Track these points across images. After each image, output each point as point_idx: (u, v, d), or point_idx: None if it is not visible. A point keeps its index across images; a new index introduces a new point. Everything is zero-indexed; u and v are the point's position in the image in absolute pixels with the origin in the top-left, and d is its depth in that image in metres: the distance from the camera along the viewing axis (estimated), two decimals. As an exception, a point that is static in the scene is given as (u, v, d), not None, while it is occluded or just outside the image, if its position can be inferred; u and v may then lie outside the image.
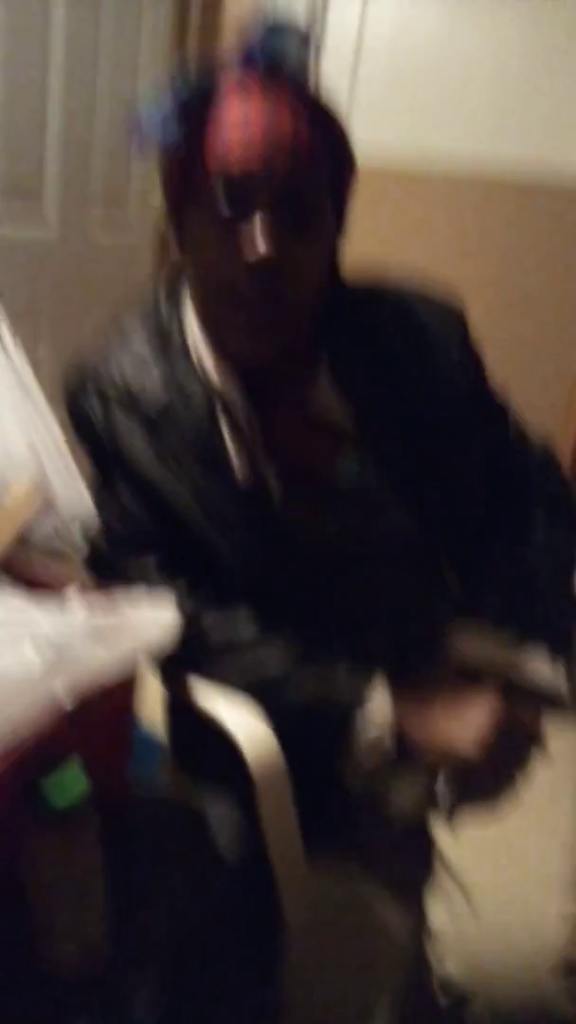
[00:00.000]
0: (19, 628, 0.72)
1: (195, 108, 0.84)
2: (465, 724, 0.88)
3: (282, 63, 0.83)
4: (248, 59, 0.84)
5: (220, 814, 0.92)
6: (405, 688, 0.91)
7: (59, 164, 1.78)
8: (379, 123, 2.17)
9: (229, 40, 2.18)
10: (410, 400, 0.96)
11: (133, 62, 1.99)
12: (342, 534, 0.97)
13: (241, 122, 0.82)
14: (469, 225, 2.17)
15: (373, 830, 0.94)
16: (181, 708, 0.98)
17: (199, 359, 0.93)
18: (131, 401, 0.93)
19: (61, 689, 0.68)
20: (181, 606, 0.81)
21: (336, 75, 2.19)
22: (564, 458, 1.50)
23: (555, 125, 2.06)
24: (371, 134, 2.13)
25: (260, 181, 0.81)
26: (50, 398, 1.55)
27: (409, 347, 0.97)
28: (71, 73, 1.74)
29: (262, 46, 0.83)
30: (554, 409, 2.07)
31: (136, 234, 2.14)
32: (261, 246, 0.81)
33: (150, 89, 2.06)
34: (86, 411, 0.95)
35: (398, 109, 2.18)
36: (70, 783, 0.67)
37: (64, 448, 1.53)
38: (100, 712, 0.74)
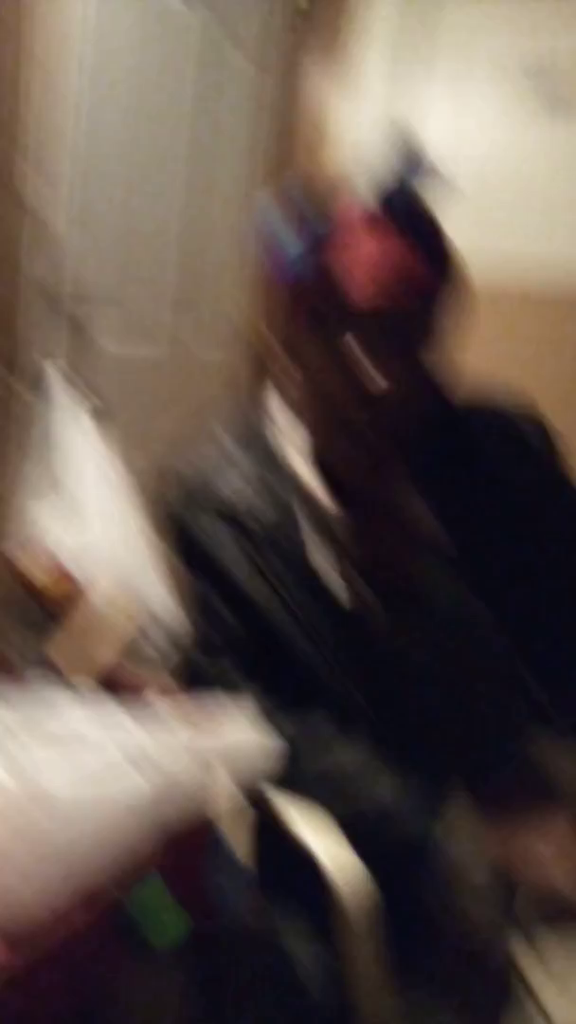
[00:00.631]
0: (123, 749, 0.71)
1: (324, 242, 0.86)
2: (552, 844, 0.84)
3: (416, 205, 0.87)
4: (386, 200, 0.86)
5: (304, 944, 0.88)
6: (488, 802, 0.88)
7: (173, 290, 1.86)
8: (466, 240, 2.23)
9: (330, 163, 2.29)
10: (502, 510, 0.96)
11: (246, 194, 2.11)
12: (435, 648, 0.95)
13: (373, 260, 0.84)
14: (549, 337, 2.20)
15: (450, 949, 0.89)
16: (265, 829, 0.95)
17: (298, 476, 0.95)
18: (231, 514, 0.94)
19: (166, 815, 0.67)
20: (272, 721, 0.80)
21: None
22: None
23: None
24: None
25: (388, 319, 0.84)
26: (146, 505, 1.58)
27: (502, 459, 0.99)
28: (187, 208, 1.85)
29: (403, 191, 0.86)
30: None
31: (235, 351, 2.21)
32: (382, 380, 0.83)
33: (259, 217, 2.16)
34: (186, 521, 0.96)
35: (486, 223, 2.24)
36: (169, 921, 0.65)
37: (157, 558, 1.55)
38: (196, 838, 0.72)
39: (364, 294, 0.83)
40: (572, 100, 2.14)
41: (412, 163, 0.86)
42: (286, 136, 2.28)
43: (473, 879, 0.84)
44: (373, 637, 0.93)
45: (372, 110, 2.26)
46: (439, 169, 0.87)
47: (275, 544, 0.92)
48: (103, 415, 1.54)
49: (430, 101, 2.25)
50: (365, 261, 0.84)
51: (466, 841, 0.85)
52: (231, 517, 0.94)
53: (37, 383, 1.51)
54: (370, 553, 0.94)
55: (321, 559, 0.92)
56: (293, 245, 0.86)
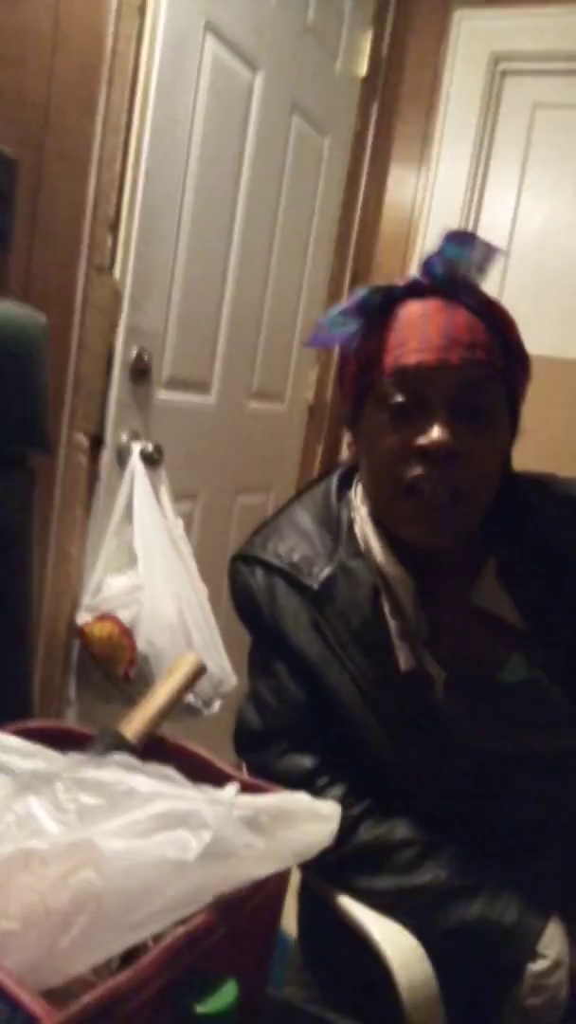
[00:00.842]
0: (175, 806, 0.70)
1: (375, 313, 0.89)
2: None
3: (457, 271, 0.88)
4: (427, 267, 0.89)
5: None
6: None
7: (226, 353, 1.93)
8: (524, 324, 2.25)
9: (385, 249, 2.36)
10: None
11: (300, 267, 2.19)
12: (506, 731, 0.91)
13: (417, 320, 0.86)
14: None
15: None
16: (319, 909, 0.92)
17: (366, 543, 0.94)
18: (296, 575, 0.94)
19: (216, 878, 0.65)
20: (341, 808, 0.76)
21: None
22: None
23: None
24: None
25: (435, 374, 0.84)
26: (200, 558, 1.61)
27: None
28: (242, 280, 1.92)
29: (442, 256, 0.88)
30: None
31: (288, 405, 2.26)
32: (436, 433, 0.83)
33: (312, 293, 2.23)
34: (250, 583, 0.97)
35: (543, 311, 2.26)
36: (220, 991, 0.62)
37: (209, 612, 1.57)
38: (251, 908, 0.69)
39: (409, 350, 0.84)
40: None
41: (457, 235, 0.87)
42: (350, 206, 2.35)
43: (560, 997, 0.79)
44: (435, 705, 0.90)
45: (443, 189, 2.33)
46: (493, 248, 0.88)
47: (336, 604, 0.91)
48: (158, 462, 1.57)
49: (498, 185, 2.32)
50: (409, 321, 0.86)
51: (561, 972, 0.80)
52: (292, 574, 0.94)
53: (123, 459, 1.57)
54: (435, 621, 0.92)
55: (384, 623, 0.91)
56: (342, 317, 0.89)
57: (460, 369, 0.84)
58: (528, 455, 1.02)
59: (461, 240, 0.88)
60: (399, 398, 0.86)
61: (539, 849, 0.90)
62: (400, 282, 0.90)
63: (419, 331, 0.85)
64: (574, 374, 2.21)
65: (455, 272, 0.88)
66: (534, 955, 0.80)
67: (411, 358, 0.84)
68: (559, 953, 0.80)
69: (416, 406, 0.85)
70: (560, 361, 2.21)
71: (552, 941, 0.80)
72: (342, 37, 2.17)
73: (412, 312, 0.87)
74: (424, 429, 0.84)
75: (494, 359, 0.87)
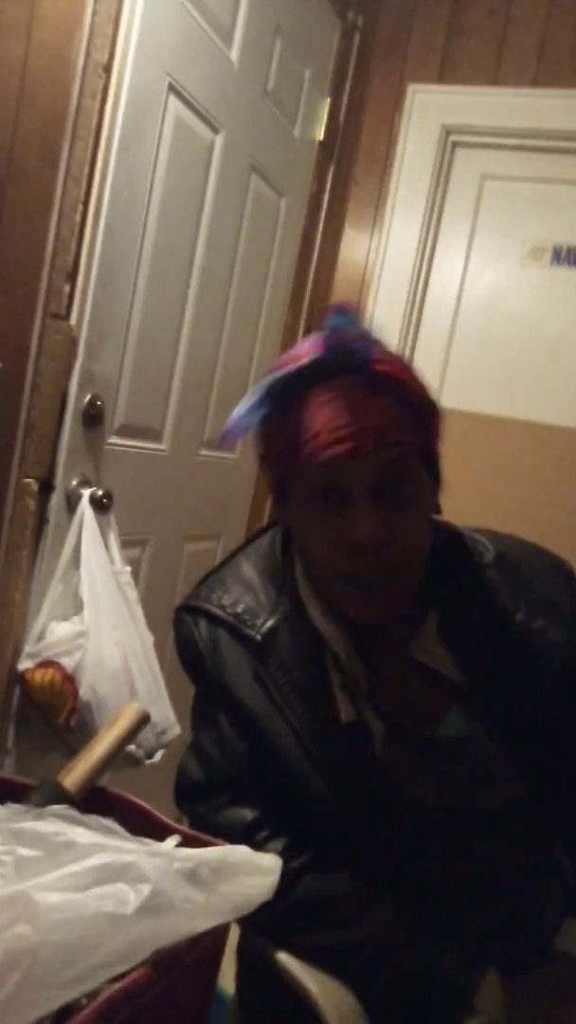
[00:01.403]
0: (114, 859, 0.69)
1: (285, 403, 0.86)
2: None
3: (349, 339, 0.84)
4: (324, 344, 0.85)
5: None
6: (515, 979, 0.83)
7: (180, 401, 1.95)
8: (471, 385, 2.33)
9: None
10: (518, 653, 0.94)
11: (255, 320, 2.24)
12: (443, 785, 0.92)
13: (324, 409, 0.83)
14: (558, 468, 2.24)
15: None
16: (258, 965, 0.91)
17: (307, 603, 0.95)
18: (239, 627, 0.94)
19: (154, 933, 0.64)
20: (282, 861, 0.76)
21: (436, 334, 2.40)
22: None
23: None
24: (462, 392, 2.34)
25: (350, 465, 0.83)
26: (146, 605, 1.60)
27: (517, 599, 0.97)
28: (197, 331, 1.96)
29: (331, 329, 0.85)
30: None
31: (239, 455, 2.29)
32: (363, 527, 0.83)
33: (266, 346, 2.28)
34: (194, 633, 0.97)
35: (488, 371, 2.34)
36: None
37: (154, 660, 1.56)
38: (189, 963, 0.69)
39: (320, 455, 0.83)
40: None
41: (346, 311, 0.86)
42: (305, 264, 2.42)
43: None
44: (374, 758, 0.91)
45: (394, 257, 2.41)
46: (374, 334, 0.87)
47: (277, 655, 0.92)
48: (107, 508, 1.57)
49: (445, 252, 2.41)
50: (316, 420, 0.83)
51: (491, 1011, 0.80)
52: (234, 624, 0.94)
53: (72, 504, 1.56)
54: (374, 675, 0.94)
55: (326, 675, 0.92)
56: (254, 407, 0.87)
57: (374, 455, 0.83)
58: (472, 511, 1.05)
59: (341, 310, 0.86)
60: (320, 493, 0.86)
61: (475, 903, 0.91)
62: (304, 359, 0.85)
63: (328, 422, 0.83)
64: (518, 433, 2.28)
65: (349, 341, 0.85)
66: (472, 1010, 0.80)
67: (323, 454, 0.82)
68: (495, 1010, 0.80)
69: (338, 499, 0.85)
70: (504, 420, 2.29)
71: (488, 996, 0.81)
72: (301, 103, 2.25)
73: (319, 402, 0.84)
74: (350, 521, 0.84)
75: (406, 436, 0.85)
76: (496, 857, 0.93)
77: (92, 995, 0.62)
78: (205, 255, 1.92)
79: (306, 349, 0.87)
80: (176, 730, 1.54)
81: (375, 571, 0.85)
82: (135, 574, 1.76)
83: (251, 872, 0.72)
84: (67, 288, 1.50)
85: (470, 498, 0.98)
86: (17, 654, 1.50)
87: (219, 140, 1.91)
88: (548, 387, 2.29)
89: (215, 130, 1.89)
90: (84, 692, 1.33)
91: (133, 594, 1.56)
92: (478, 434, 2.27)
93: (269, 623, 0.94)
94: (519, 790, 0.93)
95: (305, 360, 0.85)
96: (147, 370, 1.80)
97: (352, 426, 0.82)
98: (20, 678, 1.46)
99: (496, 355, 2.35)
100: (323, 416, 0.83)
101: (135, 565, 1.86)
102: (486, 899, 0.91)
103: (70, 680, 1.26)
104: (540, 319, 2.31)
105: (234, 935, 0.91)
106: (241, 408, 0.87)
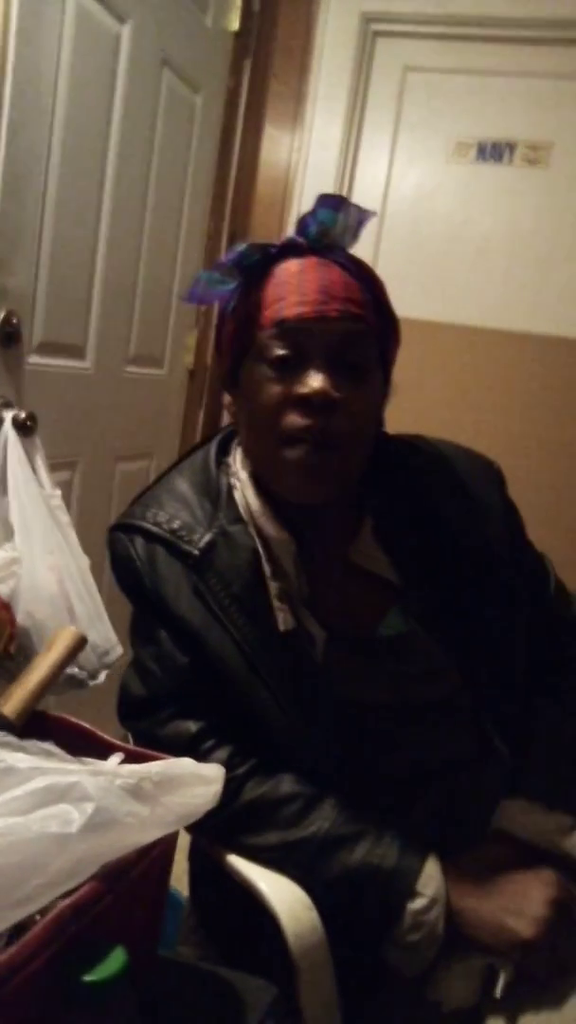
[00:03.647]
0: (56, 780, 0.69)
1: (252, 270, 0.90)
2: (520, 902, 0.83)
3: (330, 234, 0.90)
4: (302, 228, 0.91)
5: (252, 987, 0.85)
6: (455, 862, 0.87)
7: (101, 315, 1.87)
8: (399, 288, 2.29)
9: (261, 209, 2.34)
10: (453, 552, 0.96)
11: (175, 227, 2.15)
12: (384, 684, 0.95)
13: (295, 276, 0.88)
14: (486, 372, 2.25)
15: (419, 1017, 0.87)
16: (210, 868, 0.93)
17: (247, 507, 0.95)
18: (176, 543, 0.94)
19: (100, 849, 0.65)
20: (227, 769, 0.77)
21: (362, 236, 2.34)
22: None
23: (566, 298, 2.18)
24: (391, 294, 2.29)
25: (314, 326, 0.86)
26: (80, 528, 1.57)
27: (450, 500, 0.99)
28: (115, 240, 1.86)
29: (315, 218, 0.90)
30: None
31: (167, 370, 2.23)
32: (315, 381, 0.85)
33: (188, 254, 2.20)
34: (130, 552, 0.96)
35: (415, 274, 2.31)
36: (108, 958, 0.62)
37: (91, 582, 1.54)
38: (137, 874, 0.70)
39: (287, 304, 0.86)
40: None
41: (338, 206, 0.89)
42: (225, 165, 2.32)
43: (438, 932, 0.83)
44: (315, 664, 0.92)
45: (316, 147, 2.33)
46: (366, 211, 0.91)
47: (215, 567, 0.92)
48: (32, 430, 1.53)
49: (372, 146, 2.33)
50: (286, 277, 0.88)
51: (438, 908, 0.84)
52: (171, 540, 0.93)
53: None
54: (313, 581, 0.94)
55: (264, 585, 0.92)
56: (219, 276, 0.90)
57: (337, 322, 0.86)
58: (400, 416, 1.04)
59: (334, 204, 0.90)
60: (279, 351, 0.87)
61: (417, 794, 0.94)
62: (276, 242, 0.91)
63: (297, 286, 0.87)
64: (446, 337, 2.27)
65: (328, 235, 0.90)
66: (413, 894, 0.84)
67: (290, 311, 0.86)
68: (436, 891, 0.84)
69: (296, 358, 0.87)
70: (432, 324, 2.27)
71: (430, 880, 0.84)
72: (212, -11, 2.11)
73: (289, 268, 0.89)
74: (303, 379, 0.86)
75: (369, 316, 0.89)
76: (437, 745, 0.96)
77: (44, 911, 0.62)
78: (118, 157, 1.82)
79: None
80: (118, 650, 1.53)
81: (319, 433, 0.86)
82: (66, 497, 1.72)
83: (195, 782, 0.72)
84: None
85: (397, 403, 0.98)
86: (-51, 584, 1.46)
87: (126, 31, 1.78)
88: (474, 288, 2.28)
89: (120, 19, 1.76)
90: (22, 618, 1.31)
91: (65, 517, 1.53)
92: (404, 338, 2.23)
93: (206, 537, 0.93)
94: (457, 682, 0.96)
95: (283, 239, 0.91)
96: (64, 283, 1.72)
97: (321, 292, 0.86)
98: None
99: (422, 257, 2.31)
100: (292, 281, 0.87)
101: (66, 488, 1.82)
102: (428, 785, 0.95)
103: (5, 607, 1.24)
104: (466, 218, 2.28)
105: (185, 839, 0.93)
106: (208, 273, 0.91)
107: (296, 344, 0.86)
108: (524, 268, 2.24)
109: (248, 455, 0.96)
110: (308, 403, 0.85)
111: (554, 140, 2.19)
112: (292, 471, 0.88)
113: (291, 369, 0.87)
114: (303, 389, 0.85)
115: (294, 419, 0.86)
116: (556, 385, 2.20)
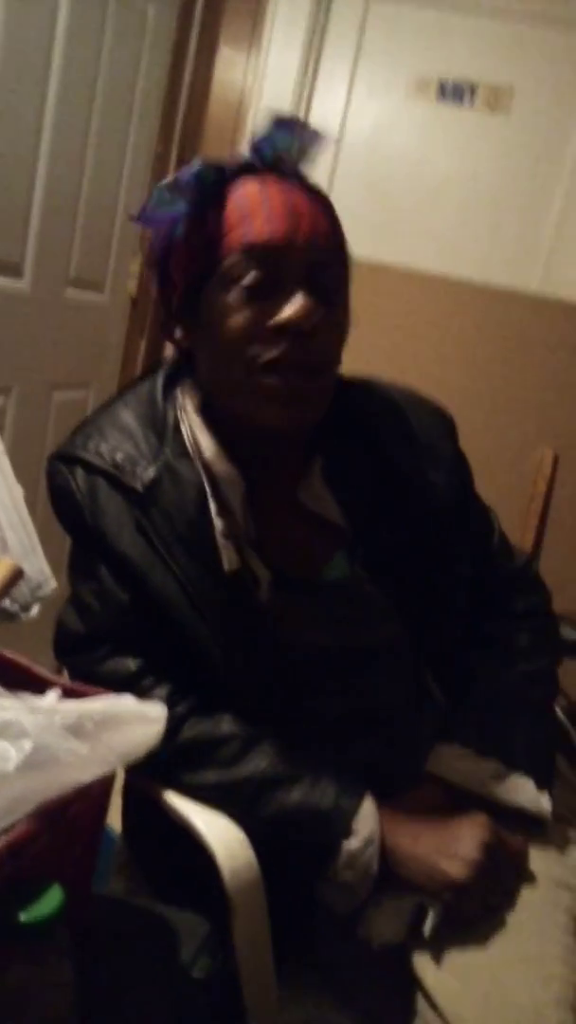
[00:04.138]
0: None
1: (207, 191, 0.85)
2: (453, 844, 0.84)
3: (285, 156, 0.86)
4: (256, 149, 0.87)
5: (185, 922, 0.85)
6: (390, 803, 0.88)
7: (40, 233, 1.78)
8: (350, 226, 2.24)
9: (212, 132, 2.25)
10: (400, 497, 0.95)
11: (121, 144, 2.04)
12: (327, 627, 0.94)
13: (258, 195, 0.84)
14: (435, 319, 2.23)
15: (349, 953, 0.88)
16: (145, 804, 0.92)
17: (195, 442, 0.91)
18: (119, 476, 0.90)
19: (38, 787, 0.63)
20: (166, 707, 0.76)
21: (316, 172, 2.27)
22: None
23: (520, 249, 2.17)
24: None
25: (287, 248, 0.82)
26: (14, 457, 1.51)
27: (401, 446, 0.98)
28: (57, 153, 1.76)
29: (270, 140, 0.86)
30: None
31: (108, 296, 2.14)
32: (300, 306, 0.81)
33: (135, 173, 2.10)
34: (70, 484, 0.92)
35: (370, 213, 2.26)
36: (44, 897, 0.61)
37: (25, 513, 1.49)
38: (74, 813, 0.68)
39: (256, 227, 0.82)
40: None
41: (293, 128, 0.86)
42: (176, 83, 2.22)
43: (371, 870, 0.84)
44: (259, 605, 0.91)
45: (275, 72, 2.24)
46: (320, 134, 0.88)
47: (159, 503, 0.89)
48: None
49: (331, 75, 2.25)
50: (251, 199, 0.83)
51: (372, 847, 0.85)
52: (113, 473, 0.90)
53: None
54: (260, 521, 0.92)
55: (209, 523, 0.89)
56: (171, 194, 0.85)
57: (310, 243, 0.83)
58: (347, 360, 1.02)
59: (289, 126, 0.86)
60: (251, 276, 0.83)
61: (355, 737, 0.95)
62: (229, 163, 0.87)
63: (263, 206, 0.83)
64: (392, 281, 2.23)
65: (283, 159, 0.87)
66: (348, 832, 0.84)
67: (260, 234, 0.82)
68: (371, 831, 0.85)
69: (270, 283, 0.83)
70: (381, 267, 2.23)
71: (365, 819, 0.85)
72: None
73: (250, 188, 0.84)
74: (280, 306, 0.82)
75: (337, 242, 0.87)
76: (376, 690, 0.96)
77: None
78: (63, 68, 1.71)
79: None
80: (52, 584, 1.49)
81: (300, 358, 0.83)
82: (-1, 424, 1.65)
83: (137, 721, 0.71)
84: None
85: (345, 347, 0.95)
86: None
87: None
88: (427, 233, 2.24)
89: None
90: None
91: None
92: (354, 281, 2.20)
93: (151, 472, 0.90)
94: (398, 628, 0.96)
95: (238, 159, 0.86)
96: (1, 194, 1.62)
97: (288, 214, 0.83)
98: None
99: (376, 197, 2.26)
100: (256, 200, 0.83)
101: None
102: (366, 729, 0.95)
103: None
104: (423, 159, 2.23)
105: (120, 776, 0.91)
106: (161, 188, 0.85)
107: (269, 268, 0.82)
108: (478, 216, 2.21)
109: (212, 387, 0.92)
110: (289, 330, 0.82)
111: (515, 85, 2.14)
112: (273, 400, 0.85)
113: (264, 294, 0.83)
114: (285, 314, 0.82)
115: (271, 349, 0.83)
116: (499, 338, 2.19)
